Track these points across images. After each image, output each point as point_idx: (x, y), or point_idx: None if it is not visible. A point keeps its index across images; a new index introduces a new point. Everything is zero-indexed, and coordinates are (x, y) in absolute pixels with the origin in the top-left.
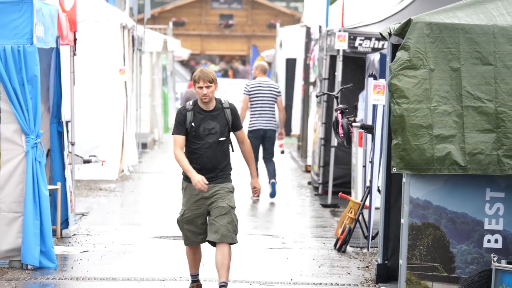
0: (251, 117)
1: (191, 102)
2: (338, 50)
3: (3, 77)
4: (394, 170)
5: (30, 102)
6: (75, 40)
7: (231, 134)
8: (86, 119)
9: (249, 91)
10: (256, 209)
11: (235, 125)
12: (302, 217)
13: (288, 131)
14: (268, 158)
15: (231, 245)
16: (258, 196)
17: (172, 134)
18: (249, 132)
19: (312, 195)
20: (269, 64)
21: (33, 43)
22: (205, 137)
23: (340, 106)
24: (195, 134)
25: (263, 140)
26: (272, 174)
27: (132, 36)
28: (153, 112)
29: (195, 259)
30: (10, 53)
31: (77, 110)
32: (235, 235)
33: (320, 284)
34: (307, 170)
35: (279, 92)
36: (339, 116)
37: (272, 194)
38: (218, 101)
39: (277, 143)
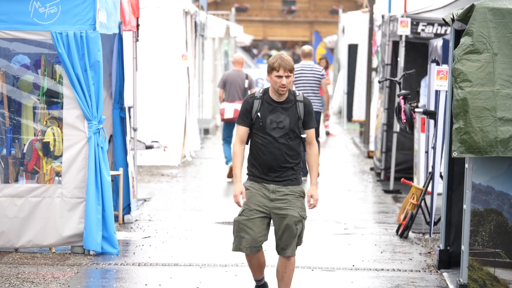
0: None
1: (261, 90)
2: (401, 36)
3: (66, 63)
4: (454, 154)
5: (93, 88)
6: (137, 26)
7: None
8: (149, 104)
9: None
10: (319, 194)
11: (306, 123)
12: (364, 203)
13: (349, 117)
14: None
15: None
16: (314, 207)
17: (236, 123)
18: None
19: (374, 181)
20: (331, 50)
21: (96, 29)
22: (272, 130)
23: (403, 91)
24: (260, 126)
25: None
26: None
27: (195, 22)
28: (215, 97)
29: (259, 264)
30: (73, 39)
31: (140, 96)
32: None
33: (382, 270)
34: (369, 156)
35: (322, 75)
36: (402, 101)
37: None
38: (291, 93)
39: (324, 123)
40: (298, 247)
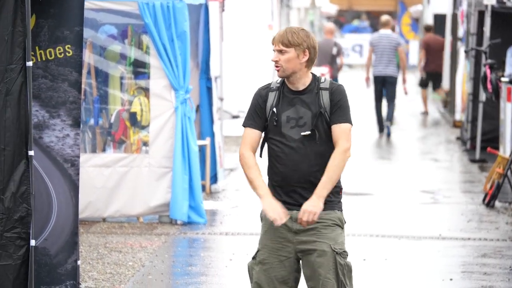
0: (374, 65)
1: (278, 80)
2: (486, 6)
3: (153, 33)
4: None
5: (179, 58)
6: None
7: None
8: (235, 74)
9: (372, 42)
10: (405, 163)
11: (333, 115)
12: (450, 172)
13: (436, 86)
14: (390, 100)
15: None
16: (302, 222)
17: (242, 125)
18: (373, 78)
19: (460, 150)
20: (416, 20)
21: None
22: (289, 130)
23: (489, 61)
24: (275, 125)
25: (384, 84)
26: (389, 116)
27: None
28: None
29: None
30: (160, 9)
31: (226, 65)
32: None
33: (469, 239)
34: (455, 125)
35: (398, 43)
36: (488, 71)
37: (388, 134)
38: (314, 79)
39: (401, 86)
40: None
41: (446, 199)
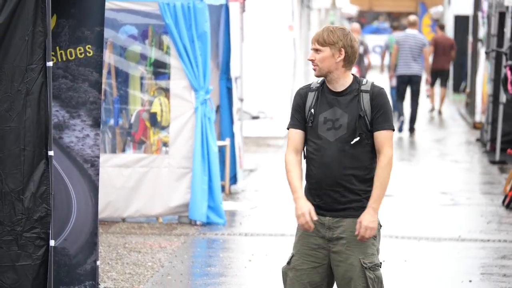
0: (399, 64)
1: (319, 80)
2: (507, 7)
3: (173, 34)
4: None
5: (200, 59)
6: None
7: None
8: (255, 75)
9: (398, 41)
10: (425, 164)
11: (375, 121)
12: (470, 174)
13: (456, 88)
14: (414, 100)
15: None
16: (362, 239)
17: (287, 127)
18: (397, 77)
19: (480, 152)
20: (437, 21)
21: (203, 0)
22: (325, 132)
23: (509, 62)
24: (311, 126)
25: (410, 84)
26: (411, 125)
27: None
28: None
29: None
30: (180, 10)
31: (246, 66)
32: None
33: (488, 240)
34: (475, 126)
35: (423, 43)
36: (508, 72)
37: (400, 130)
38: (355, 81)
39: (424, 88)
40: None
41: (465, 200)
